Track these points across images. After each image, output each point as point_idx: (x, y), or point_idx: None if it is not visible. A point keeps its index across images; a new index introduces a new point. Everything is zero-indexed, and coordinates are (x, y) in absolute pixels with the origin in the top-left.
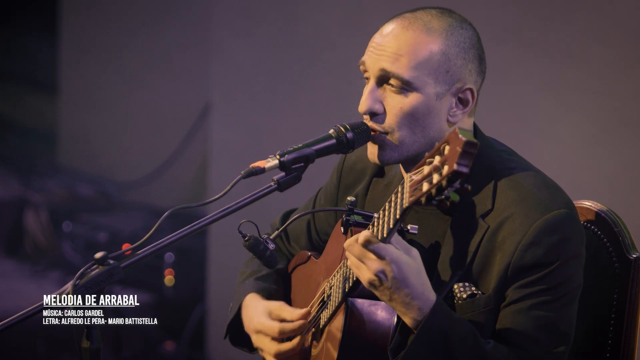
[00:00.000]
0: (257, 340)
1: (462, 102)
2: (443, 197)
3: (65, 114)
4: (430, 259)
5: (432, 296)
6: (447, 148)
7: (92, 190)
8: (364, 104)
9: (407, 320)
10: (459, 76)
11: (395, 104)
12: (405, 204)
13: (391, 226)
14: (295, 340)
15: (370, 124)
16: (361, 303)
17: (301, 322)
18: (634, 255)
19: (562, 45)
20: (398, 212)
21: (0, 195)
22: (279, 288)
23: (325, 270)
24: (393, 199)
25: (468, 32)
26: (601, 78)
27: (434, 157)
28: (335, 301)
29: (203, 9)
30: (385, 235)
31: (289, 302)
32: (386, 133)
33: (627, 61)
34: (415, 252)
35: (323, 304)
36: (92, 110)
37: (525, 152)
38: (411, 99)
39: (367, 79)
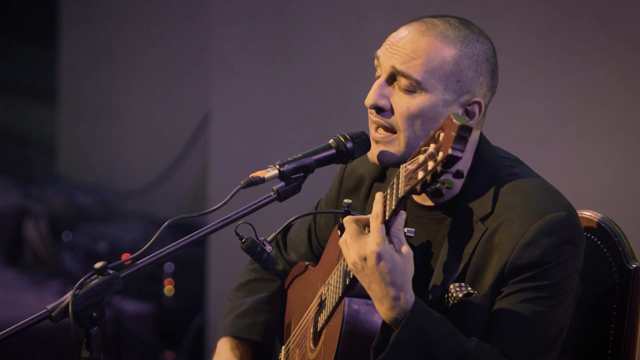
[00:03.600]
0: None
1: (469, 114)
2: (438, 184)
3: (65, 123)
4: (428, 262)
5: (409, 298)
6: (441, 135)
7: (92, 199)
8: (370, 98)
9: (381, 314)
10: (468, 87)
11: (403, 103)
12: (401, 193)
13: (387, 218)
14: None
15: (376, 118)
16: (358, 302)
17: None
18: (634, 265)
19: (562, 54)
20: (394, 203)
21: None
22: (258, 322)
23: (323, 275)
24: (389, 191)
25: (484, 46)
26: (600, 86)
27: (429, 145)
28: (332, 302)
29: (203, 19)
30: None
31: (283, 320)
32: (393, 131)
33: (627, 69)
34: (407, 251)
35: (320, 307)
36: (91, 120)
37: (525, 160)
38: (419, 100)
39: (378, 75)
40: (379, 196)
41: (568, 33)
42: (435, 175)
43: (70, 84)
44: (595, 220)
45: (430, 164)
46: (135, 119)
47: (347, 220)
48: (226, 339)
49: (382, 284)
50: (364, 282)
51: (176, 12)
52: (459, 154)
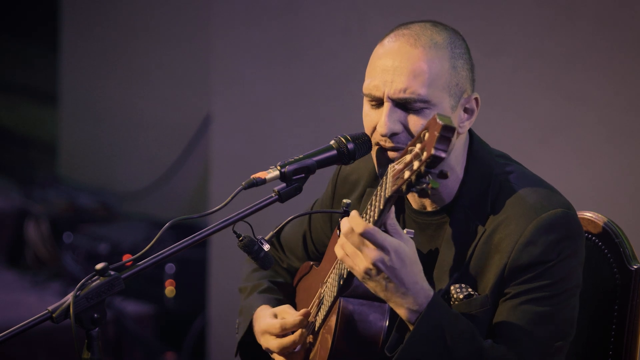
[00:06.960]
0: (263, 342)
1: (468, 112)
2: (424, 185)
3: (66, 124)
4: (429, 266)
5: (426, 286)
6: (426, 135)
7: (93, 201)
8: (384, 127)
9: (402, 312)
10: (464, 87)
11: (417, 122)
12: (388, 193)
13: (376, 218)
14: (297, 334)
15: (390, 143)
16: (353, 302)
17: (300, 317)
18: (635, 266)
19: (562, 55)
20: (382, 203)
21: (0, 206)
22: (285, 299)
23: (324, 275)
24: (378, 191)
25: (463, 42)
26: (601, 88)
27: (415, 145)
28: (328, 301)
29: (203, 20)
30: None
31: None
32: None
33: (628, 70)
34: (410, 242)
35: (318, 306)
36: (92, 121)
37: (526, 162)
38: (431, 115)
39: (375, 102)
40: (354, 213)
41: (568, 35)
42: (419, 175)
43: (71, 85)
44: (596, 221)
45: (416, 164)
46: (137, 120)
47: (347, 233)
48: (262, 307)
49: (401, 279)
50: (379, 286)
51: (177, 14)
52: (442, 154)
